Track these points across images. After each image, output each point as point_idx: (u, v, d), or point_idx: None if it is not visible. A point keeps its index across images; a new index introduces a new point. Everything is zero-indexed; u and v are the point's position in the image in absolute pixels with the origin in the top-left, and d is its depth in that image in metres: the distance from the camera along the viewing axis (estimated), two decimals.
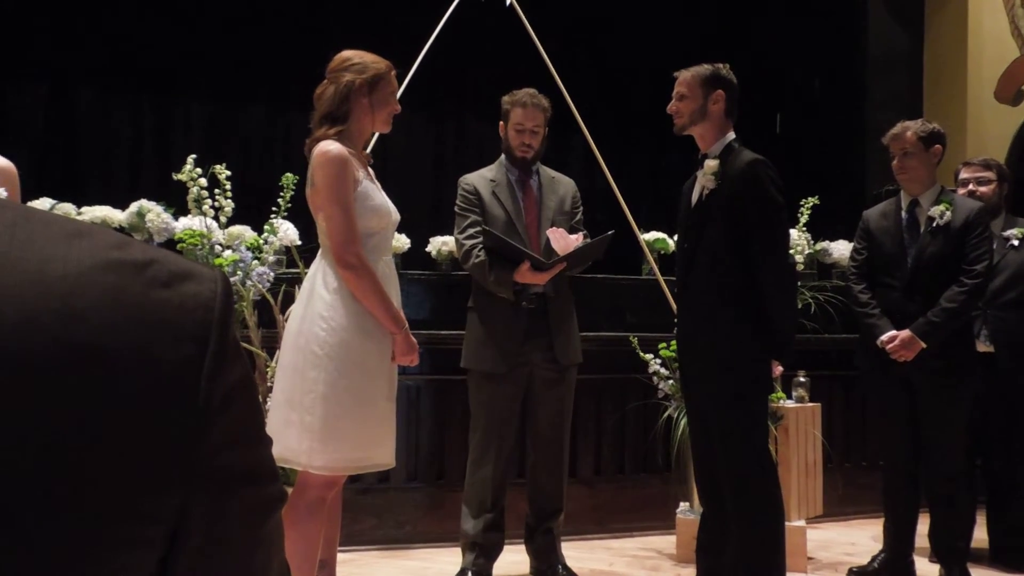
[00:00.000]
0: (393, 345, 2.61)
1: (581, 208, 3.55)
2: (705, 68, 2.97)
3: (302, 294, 2.64)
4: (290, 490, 3.07)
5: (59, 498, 0.46)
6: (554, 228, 3.31)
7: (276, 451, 2.47)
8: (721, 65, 3.00)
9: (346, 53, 2.68)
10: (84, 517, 0.47)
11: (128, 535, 0.48)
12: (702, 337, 2.94)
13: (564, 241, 3.25)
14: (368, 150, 2.81)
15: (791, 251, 4.19)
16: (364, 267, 2.53)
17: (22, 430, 0.45)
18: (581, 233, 3.40)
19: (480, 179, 3.46)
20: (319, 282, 2.57)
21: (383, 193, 2.70)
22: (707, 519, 3.07)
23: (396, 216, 2.72)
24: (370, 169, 2.73)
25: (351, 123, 2.63)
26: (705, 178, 2.93)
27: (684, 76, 2.99)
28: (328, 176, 2.53)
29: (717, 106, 2.94)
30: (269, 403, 3.12)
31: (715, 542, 3.01)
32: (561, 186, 3.52)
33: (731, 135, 2.98)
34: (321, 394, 2.48)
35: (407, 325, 2.65)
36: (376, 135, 2.92)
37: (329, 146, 2.55)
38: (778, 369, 3.02)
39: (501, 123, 3.47)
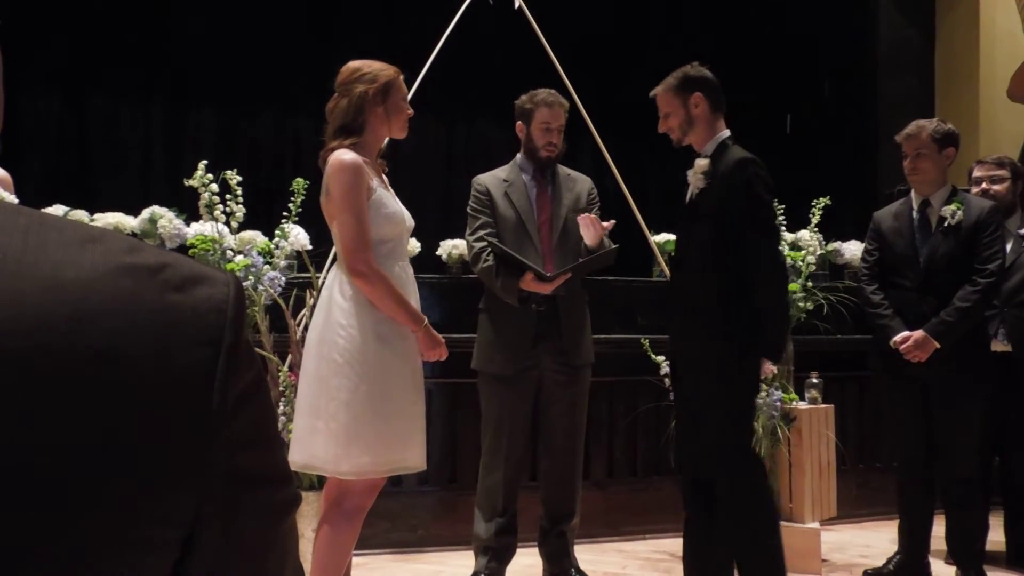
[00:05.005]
0: (418, 343, 2.63)
1: (598, 203, 3.54)
2: (673, 78, 2.95)
3: (321, 302, 2.66)
4: (311, 495, 3.08)
5: (75, 501, 0.46)
6: (585, 215, 3.28)
7: (303, 458, 2.51)
8: (688, 67, 2.97)
9: (353, 64, 2.68)
10: (99, 520, 0.47)
11: (144, 538, 0.48)
12: (691, 336, 2.92)
13: (595, 228, 3.23)
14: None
15: (802, 251, 4.17)
16: (375, 273, 2.54)
17: (37, 433, 0.46)
18: (611, 222, 3.36)
19: (493, 179, 3.45)
20: (336, 290, 2.59)
21: (398, 201, 2.72)
22: (691, 524, 3.01)
23: (410, 223, 2.74)
24: (384, 177, 2.74)
25: (367, 134, 2.64)
26: (695, 177, 2.92)
27: (659, 94, 2.98)
28: (342, 185, 2.54)
29: (699, 108, 2.92)
30: (281, 407, 3.14)
31: (702, 547, 2.96)
32: (577, 183, 3.51)
33: (724, 133, 2.95)
34: (344, 401, 2.49)
35: (427, 321, 2.66)
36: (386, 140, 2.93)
37: (344, 155, 2.56)
38: (769, 369, 2.98)
39: (520, 123, 3.46)
